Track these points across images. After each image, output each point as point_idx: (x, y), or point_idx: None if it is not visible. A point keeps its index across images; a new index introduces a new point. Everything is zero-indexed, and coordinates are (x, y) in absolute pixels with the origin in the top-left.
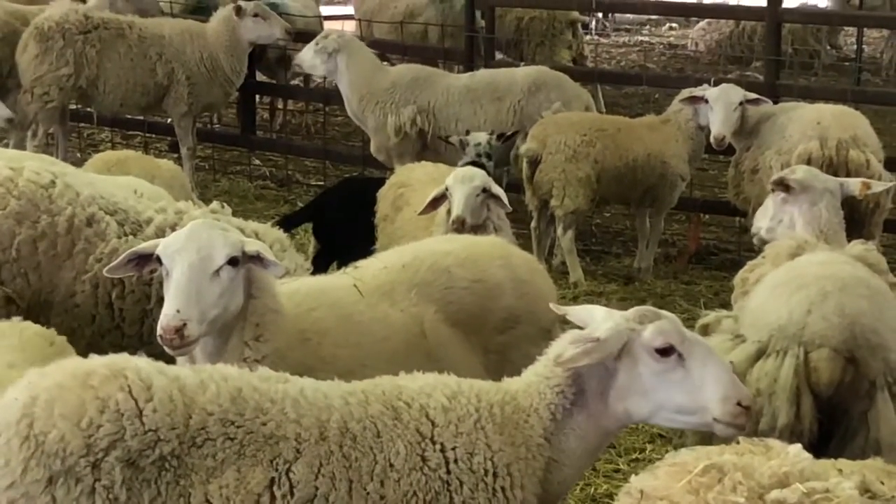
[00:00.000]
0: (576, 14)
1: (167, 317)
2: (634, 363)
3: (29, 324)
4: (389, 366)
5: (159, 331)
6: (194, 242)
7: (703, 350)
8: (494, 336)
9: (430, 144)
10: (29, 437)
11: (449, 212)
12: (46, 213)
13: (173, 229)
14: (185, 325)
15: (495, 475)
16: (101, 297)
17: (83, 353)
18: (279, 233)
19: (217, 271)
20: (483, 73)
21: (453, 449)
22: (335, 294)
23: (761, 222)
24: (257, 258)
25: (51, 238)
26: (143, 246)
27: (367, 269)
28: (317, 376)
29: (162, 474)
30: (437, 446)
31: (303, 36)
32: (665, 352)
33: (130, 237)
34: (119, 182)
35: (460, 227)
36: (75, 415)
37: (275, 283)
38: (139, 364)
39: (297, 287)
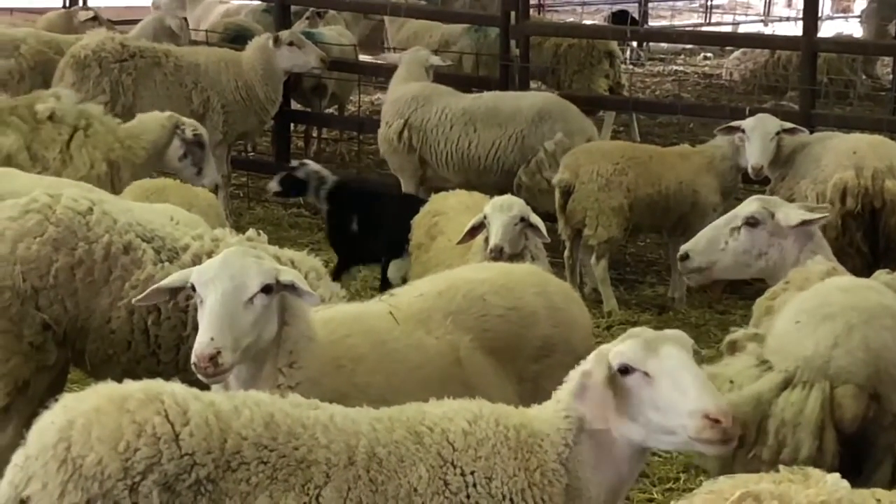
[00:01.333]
0: (613, 45)
1: (201, 345)
2: (614, 386)
3: None
4: (424, 393)
5: (193, 359)
6: (228, 270)
7: (673, 366)
8: (529, 364)
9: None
10: (66, 460)
11: (486, 240)
12: (84, 241)
13: (210, 256)
14: (218, 352)
15: (512, 500)
16: (136, 323)
17: (119, 380)
18: (315, 261)
19: (251, 299)
20: (487, 97)
21: (472, 473)
22: (370, 321)
23: (713, 256)
24: (291, 287)
25: (88, 265)
26: (174, 277)
27: (403, 297)
28: (350, 403)
29: (197, 499)
30: (458, 470)
31: (338, 64)
32: (625, 371)
33: (167, 264)
34: (156, 209)
35: (498, 255)
36: (112, 438)
37: (309, 309)
38: (175, 389)
39: (332, 314)
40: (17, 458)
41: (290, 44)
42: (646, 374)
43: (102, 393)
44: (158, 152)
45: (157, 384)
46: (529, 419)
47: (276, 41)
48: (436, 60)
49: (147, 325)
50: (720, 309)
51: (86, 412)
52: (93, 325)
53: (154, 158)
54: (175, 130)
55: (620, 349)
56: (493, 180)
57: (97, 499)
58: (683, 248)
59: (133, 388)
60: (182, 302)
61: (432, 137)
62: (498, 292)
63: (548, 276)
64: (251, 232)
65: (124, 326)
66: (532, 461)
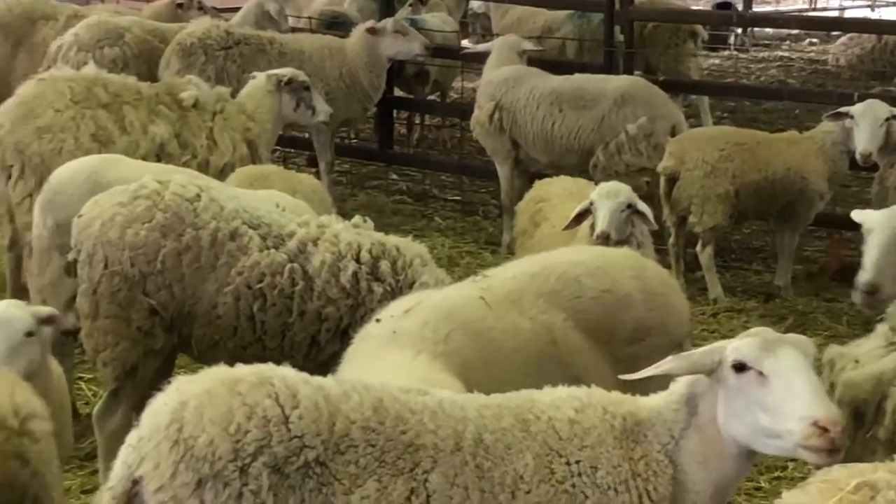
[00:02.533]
0: (697, 26)
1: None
2: (725, 383)
3: None
4: (522, 377)
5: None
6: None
7: (788, 368)
8: (624, 347)
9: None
10: (178, 441)
11: (592, 227)
12: (191, 227)
13: (315, 243)
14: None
15: (616, 490)
16: (242, 309)
17: (227, 365)
18: (420, 247)
19: None
20: (575, 79)
21: (577, 462)
22: (462, 314)
23: None
24: None
25: (195, 251)
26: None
27: (496, 279)
28: None
29: (306, 481)
30: (563, 459)
31: (440, 51)
32: (740, 368)
33: (272, 250)
34: (262, 196)
35: (604, 242)
36: (224, 420)
37: None
38: (285, 373)
39: (424, 318)
40: (131, 438)
41: (395, 31)
42: (760, 373)
43: (214, 376)
44: (278, 116)
45: (268, 368)
46: (638, 408)
47: (381, 29)
48: (528, 46)
49: (253, 311)
50: (827, 296)
51: (198, 394)
52: (199, 311)
53: (278, 125)
54: (279, 87)
55: (737, 345)
56: (573, 161)
57: (208, 479)
58: (868, 280)
59: (244, 371)
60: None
61: (520, 118)
62: (593, 274)
63: (645, 261)
64: (357, 219)
65: (230, 313)
66: (637, 451)
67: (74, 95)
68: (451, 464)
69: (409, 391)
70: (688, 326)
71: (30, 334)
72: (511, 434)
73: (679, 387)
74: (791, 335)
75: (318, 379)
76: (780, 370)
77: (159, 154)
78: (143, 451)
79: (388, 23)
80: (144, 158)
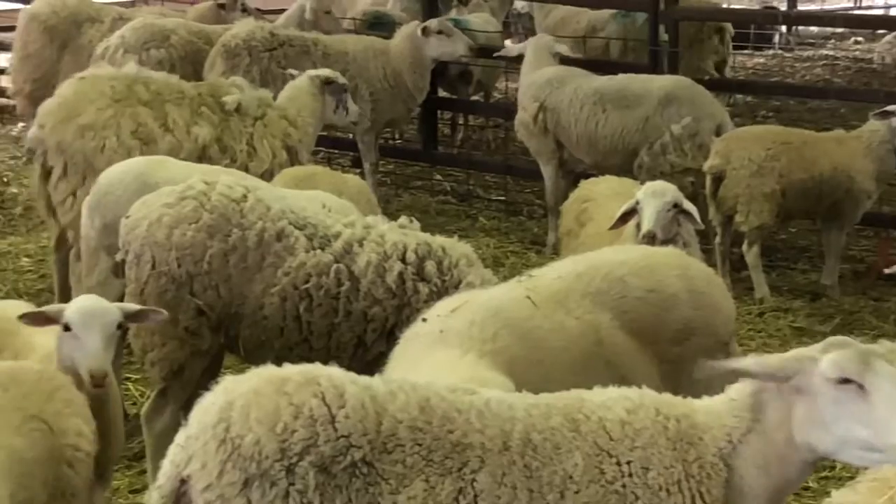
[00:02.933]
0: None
1: None
2: (813, 393)
3: None
4: (570, 376)
5: None
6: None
7: (893, 383)
8: (670, 347)
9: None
10: (225, 440)
11: (638, 226)
12: (238, 227)
13: (361, 244)
14: None
15: (668, 491)
16: (288, 310)
17: (274, 365)
18: (466, 247)
19: None
20: (619, 79)
21: (628, 463)
22: (508, 312)
23: None
24: None
25: (241, 252)
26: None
27: (542, 278)
28: None
29: (353, 481)
30: (614, 459)
31: (484, 51)
32: (842, 382)
33: (318, 251)
34: (308, 196)
35: (650, 241)
36: (270, 420)
37: None
38: (332, 372)
39: (471, 317)
40: (179, 438)
41: (439, 32)
42: (860, 386)
43: (261, 375)
44: (320, 118)
45: (315, 367)
46: (693, 410)
47: (425, 30)
48: (562, 49)
49: (299, 312)
50: (874, 296)
51: (245, 394)
52: (246, 312)
53: (318, 127)
54: (324, 89)
55: (836, 360)
56: (617, 161)
57: (255, 479)
58: None
59: (291, 371)
60: None
61: (564, 118)
62: (638, 274)
63: (690, 260)
64: (403, 219)
65: (276, 313)
66: (691, 453)
67: (115, 94)
68: (499, 463)
69: (455, 390)
70: (733, 326)
71: (119, 327)
72: (560, 434)
73: (742, 393)
74: (873, 346)
75: (364, 378)
76: (883, 386)
77: (201, 157)
78: (190, 451)
79: (432, 23)
80: (187, 160)
